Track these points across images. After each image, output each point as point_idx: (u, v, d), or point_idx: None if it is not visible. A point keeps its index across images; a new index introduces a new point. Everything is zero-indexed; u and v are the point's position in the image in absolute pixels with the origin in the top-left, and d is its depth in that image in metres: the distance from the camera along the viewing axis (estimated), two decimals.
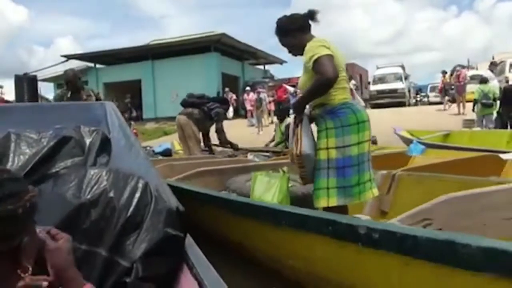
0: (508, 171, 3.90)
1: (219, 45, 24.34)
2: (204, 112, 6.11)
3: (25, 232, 0.94)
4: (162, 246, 1.57)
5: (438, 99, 19.78)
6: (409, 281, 1.81)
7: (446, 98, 18.59)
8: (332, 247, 2.09)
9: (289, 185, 3.08)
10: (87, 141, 1.80)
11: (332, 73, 2.47)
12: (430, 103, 19.39)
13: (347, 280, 2.12)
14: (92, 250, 1.57)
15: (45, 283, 1.12)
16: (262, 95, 18.35)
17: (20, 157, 1.71)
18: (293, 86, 22.53)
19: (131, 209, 1.60)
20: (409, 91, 25.43)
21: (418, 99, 30.00)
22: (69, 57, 25.68)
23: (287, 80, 25.55)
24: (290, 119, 6.49)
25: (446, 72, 18.85)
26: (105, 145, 1.83)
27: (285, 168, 3.27)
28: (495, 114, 10.84)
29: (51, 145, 1.74)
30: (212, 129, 6.49)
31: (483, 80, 11.90)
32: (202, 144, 6.50)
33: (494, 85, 12.87)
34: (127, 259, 1.55)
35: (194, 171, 3.96)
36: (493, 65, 18.56)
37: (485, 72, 15.51)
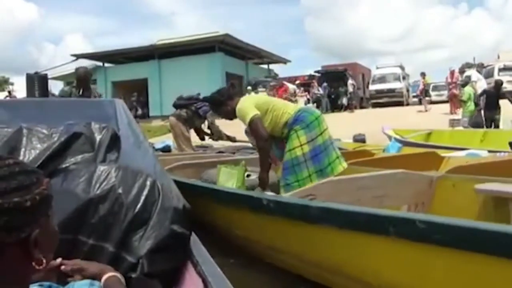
0: (444, 166, 4.24)
1: (223, 45, 24.33)
2: (192, 111, 6.48)
3: (35, 225, 0.91)
4: (168, 243, 1.55)
5: (442, 98, 19.67)
6: (292, 236, 2.42)
7: (427, 99, 18.57)
8: (252, 216, 2.70)
9: (247, 174, 3.68)
10: (97, 137, 1.77)
11: (265, 134, 3.15)
12: (432, 102, 19.35)
13: (265, 240, 2.74)
14: (99, 245, 1.55)
15: (58, 260, 1.22)
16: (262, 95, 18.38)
17: (31, 152, 1.69)
18: (302, 84, 22.75)
19: (139, 206, 1.57)
20: (408, 90, 25.29)
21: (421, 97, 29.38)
22: (78, 56, 25.68)
23: (294, 78, 25.62)
24: None
25: (425, 74, 18.90)
26: (114, 142, 1.80)
27: (243, 162, 3.83)
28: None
29: (62, 140, 1.71)
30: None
31: (466, 83, 12.02)
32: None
33: (481, 86, 13.07)
34: (133, 255, 1.53)
35: (176, 164, 4.24)
36: (479, 67, 18.58)
37: (473, 73, 15.59)
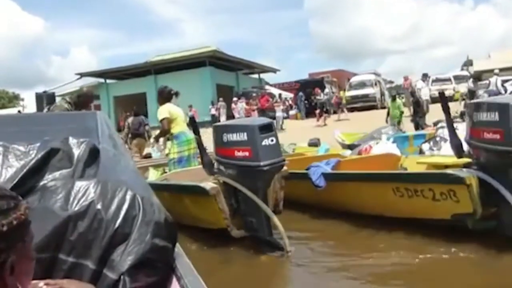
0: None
1: (213, 60, 24.48)
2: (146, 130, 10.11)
3: (10, 250, 0.80)
4: (149, 258, 1.36)
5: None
6: (170, 202, 3.62)
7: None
8: (168, 196, 4.05)
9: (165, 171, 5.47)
10: (76, 152, 1.57)
11: (166, 129, 5.18)
12: None
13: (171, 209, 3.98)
14: (79, 263, 1.35)
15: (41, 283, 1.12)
16: (240, 105, 19.52)
17: (8, 170, 1.49)
18: (298, 90, 23.29)
19: (119, 221, 1.38)
20: (382, 95, 25.21)
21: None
22: (82, 75, 25.58)
23: (294, 84, 26.14)
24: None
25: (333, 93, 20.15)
26: (93, 156, 1.60)
27: (163, 168, 5.70)
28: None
29: (39, 157, 1.51)
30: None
31: (394, 98, 12.70)
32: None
33: (425, 93, 13.80)
34: (114, 271, 1.33)
35: None
36: (424, 76, 18.61)
37: (419, 81, 15.79)
